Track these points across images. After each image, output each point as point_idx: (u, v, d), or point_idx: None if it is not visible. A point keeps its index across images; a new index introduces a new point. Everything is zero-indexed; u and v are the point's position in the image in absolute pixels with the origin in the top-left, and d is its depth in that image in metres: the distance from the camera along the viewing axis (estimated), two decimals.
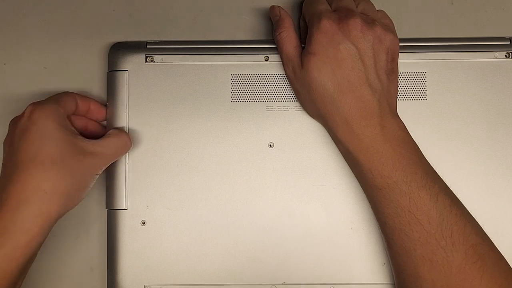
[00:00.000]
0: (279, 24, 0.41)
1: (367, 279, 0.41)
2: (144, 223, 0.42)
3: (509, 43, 0.43)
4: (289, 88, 0.42)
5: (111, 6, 0.45)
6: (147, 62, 0.43)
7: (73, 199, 0.36)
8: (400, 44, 0.40)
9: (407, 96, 0.42)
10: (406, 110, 0.42)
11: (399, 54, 0.40)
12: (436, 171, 0.38)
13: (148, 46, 0.43)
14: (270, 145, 0.42)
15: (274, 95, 0.42)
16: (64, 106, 0.38)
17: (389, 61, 0.38)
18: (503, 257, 0.35)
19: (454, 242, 0.34)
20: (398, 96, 0.41)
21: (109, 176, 0.42)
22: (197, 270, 0.42)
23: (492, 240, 0.36)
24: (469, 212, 0.36)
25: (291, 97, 0.42)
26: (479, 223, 0.36)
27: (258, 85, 0.43)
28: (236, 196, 0.42)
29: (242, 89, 0.43)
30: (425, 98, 0.42)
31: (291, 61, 0.40)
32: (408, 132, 0.38)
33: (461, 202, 0.36)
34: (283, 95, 0.42)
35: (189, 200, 0.42)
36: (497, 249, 0.35)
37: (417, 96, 0.42)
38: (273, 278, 0.41)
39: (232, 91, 0.43)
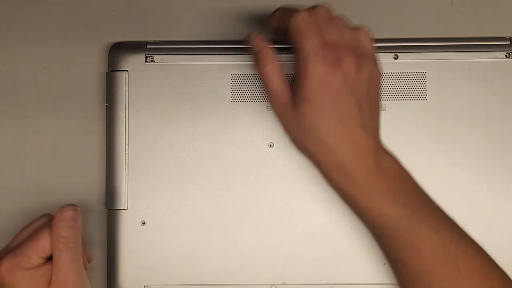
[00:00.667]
0: (261, 57, 0.37)
1: (367, 279, 0.41)
2: (144, 223, 0.42)
3: (509, 43, 0.43)
4: None
5: (111, 6, 0.45)
6: (147, 62, 0.43)
7: None
8: (400, 44, 0.40)
9: (407, 96, 0.42)
10: (406, 110, 0.42)
11: (400, 54, 0.40)
12: (436, 171, 0.38)
13: (148, 46, 0.43)
14: (270, 145, 0.42)
15: None
16: (37, 251, 0.35)
17: (378, 95, 0.37)
18: (507, 275, 0.35)
19: (460, 269, 0.33)
20: (398, 96, 0.41)
21: (109, 176, 0.42)
22: (197, 270, 0.41)
23: (493, 241, 0.37)
24: (468, 234, 0.36)
25: None
26: (480, 223, 0.37)
27: (258, 85, 0.43)
28: (236, 196, 0.42)
29: (242, 89, 0.43)
30: (425, 98, 0.42)
31: (281, 98, 0.37)
32: (399, 162, 0.37)
33: (458, 225, 0.36)
34: None
35: (189, 200, 0.42)
36: (500, 267, 0.35)
37: (417, 96, 0.42)
38: (273, 278, 0.41)
39: (232, 91, 0.43)
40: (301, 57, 0.35)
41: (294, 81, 0.37)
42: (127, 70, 0.43)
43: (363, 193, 0.35)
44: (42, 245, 0.35)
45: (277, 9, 0.39)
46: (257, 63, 0.38)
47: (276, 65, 0.37)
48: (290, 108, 0.36)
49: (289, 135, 0.39)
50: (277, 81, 0.37)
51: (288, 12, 0.37)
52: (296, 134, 0.37)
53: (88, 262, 0.40)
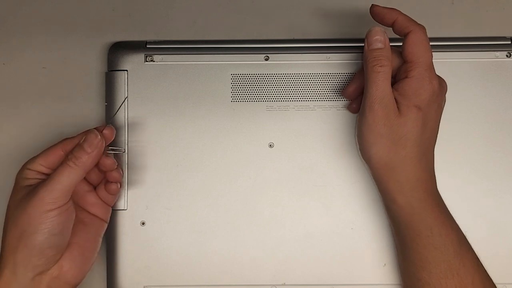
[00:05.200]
0: (383, 55, 0.36)
1: (368, 279, 0.41)
2: (143, 223, 0.42)
3: (509, 42, 0.43)
4: (289, 88, 0.42)
5: (110, 5, 0.45)
6: (146, 61, 0.43)
7: (37, 244, 0.35)
8: (401, 44, 0.39)
9: None
10: None
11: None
12: (437, 171, 0.38)
13: (147, 46, 0.43)
14: (270, 145, 0.42)
15: (274, 95, 0.42)
16: (41, 161, 0.37)
17: None
18: None
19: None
20: None
21: None
22: (197, 271, 0.41)
23: (493, 240, 0.39)
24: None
25: (291, 97, 0.42)
26: (481, 223, 0.39)
27: (258, 85, 0.42)
28: (236, 196, 0.42)
29: (242, 89, 0.42)
30: None
31: (387, 102, 0.36)
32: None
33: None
34: (283, 95, 0.42)
35: (189, 200, 0.42)
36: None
37: None
38: (273, 278, 0.41)
39: (232, 91, 0.42)
40: (420, 67, 0.36)
41: (397, 88, 0.36)
42: (126, 70, 0.42)
43: (432, 211, 0.36)
44: (50, 156, 0.37)
45: (393, 10, 0.38)
46: (373, 60, 0.36)
47: (390, 69, 0.36)
48: (394, 114, 0.35)
49: (374, 140, 0.36)
50: (388, 86, 0.36)
51: (408, 21, 0.37)
52: (387, 140, 0.36)
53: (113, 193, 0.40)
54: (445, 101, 0.39)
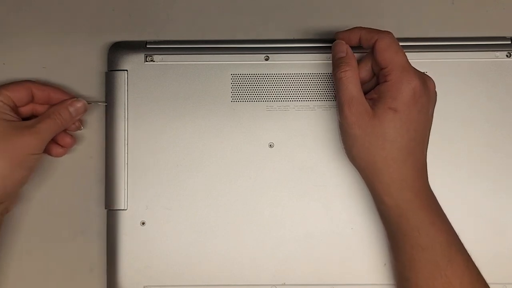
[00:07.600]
0: (345, 61, 0.37)
1: (368, 279, 0.41)
2: (143, 223, 0.42)
3: (510, 42, 0.43)
4: (289, 88, 0.42)
5: (110, 5, 0.45)
6: (146, 61, 0.43)
7: (8, 180, 0.37)
8: (401, 44, 0.39)
9: None
10: None
11: None
12: (437, 171, 0.38)
13: (147, 46, 0.43)
14: (270, 145, 0.42)
15: (274, 95, 0.42)
16: (10, 94, 0.39)
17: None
18: None
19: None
20: None
21: (108, 176, 0.42)
22: (197, 271, 0.41)
23: (493, 240, 0.39)
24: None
25: (291, 97, 0.42)
26: (481, 223, 0.39)
27: (258, 85, 0.42)
28: (236, 196, 0.42)
29: (242, 89, 0.42)
30: None
31: (357, 104, 0.36)
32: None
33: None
34: (283, 95, 0.42)
35: (189, 200, 0.42)
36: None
37: None
38: (273, 278, 0.41)
39: (232, 91, 0.42)
40: (395, 70, 0.36)
41: (376, 91, 0.37)
42: (126, 70, 0.42)
43: (419, 211, 0.36)
44: (20, 91, 0.39)
45: (354, 28, 0.39)
46: (337, 67, 0.38)
47: (357, 73, 0.37)
48: (368, 117, 0.36)
49: (353, 142, 0.37)
50: (356, 88, 0.37)
51: (371, 32, 0.38)
52: (365, 142, 0.36)
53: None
54: (435, 100, 0.38)
